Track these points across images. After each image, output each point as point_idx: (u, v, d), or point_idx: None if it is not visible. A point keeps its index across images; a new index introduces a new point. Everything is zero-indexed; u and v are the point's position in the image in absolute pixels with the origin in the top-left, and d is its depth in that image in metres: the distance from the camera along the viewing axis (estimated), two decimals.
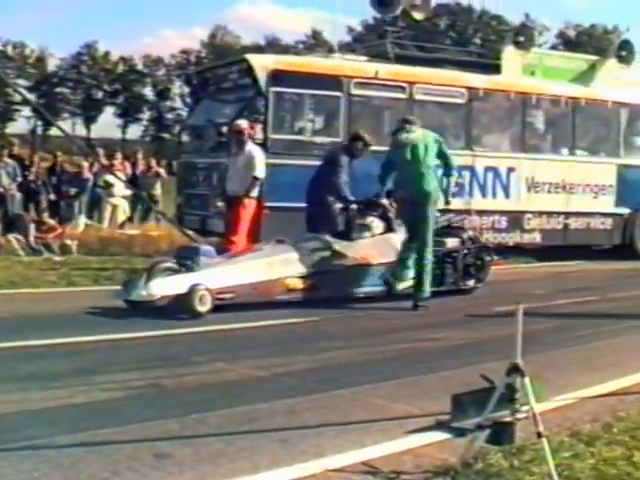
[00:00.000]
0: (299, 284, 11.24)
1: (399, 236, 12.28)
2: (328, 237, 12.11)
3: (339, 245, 11.97)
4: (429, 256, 11.67)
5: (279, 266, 11.17)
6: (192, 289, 10.07)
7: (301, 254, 11.51)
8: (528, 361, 4.95)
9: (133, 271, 12.43)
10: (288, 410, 6.11)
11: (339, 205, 12.86)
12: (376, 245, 12.26)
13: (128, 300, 10.27)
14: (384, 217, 12.60)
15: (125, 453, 5.07)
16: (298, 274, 11.25)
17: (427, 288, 11.58)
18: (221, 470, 4.88)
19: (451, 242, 12.87)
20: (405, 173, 11.85)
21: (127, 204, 20.51)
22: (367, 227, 12.50)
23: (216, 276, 10.55)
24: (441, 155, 12.06)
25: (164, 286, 10.22)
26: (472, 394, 5.45)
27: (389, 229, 12.57)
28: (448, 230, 13.24)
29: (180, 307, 10.10)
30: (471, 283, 13.06)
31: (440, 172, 12.27)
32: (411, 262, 11.71)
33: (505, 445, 5.08)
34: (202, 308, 10.12)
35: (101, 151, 23.96)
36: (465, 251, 13.01)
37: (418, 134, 11.94)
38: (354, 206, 12.80)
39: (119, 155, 22.55)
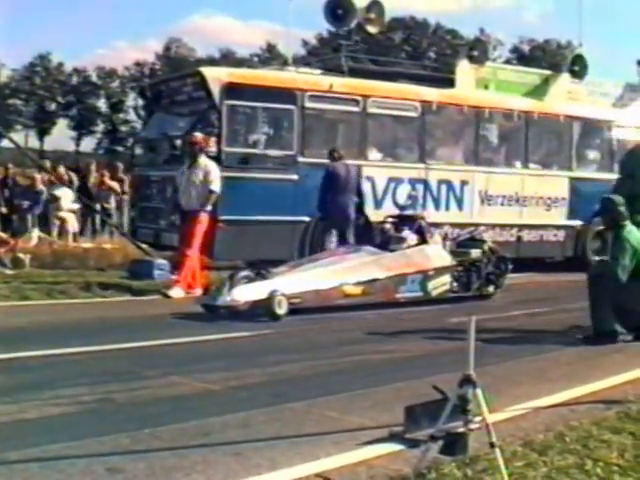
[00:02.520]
0: (354, 290, 12.32)
1: (432, 247, 13.78)
2: (372, 248, 13.49)
3: (382, 255, 13.14)
4: None
5: (337, 274, 12.31)
6: (271, 295, 11.13)
7: (353, 263, 12.73)
8: (482, 372, 4.98)
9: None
10: (241, 423, 6.09)
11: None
12: (413, 256, 13.43)
13: (212, 306, 11.23)
14: (418, 230, 13.86)
15: (78, 468, 5.02)
16: (353, 281, 12.31)
17: None
18: None
19: (475, 253, 14.17)
20: None
21: (74, 218, 20.30)
22: (403, 239, 13.69)
23: (289, 283, 11.67)
24: None
25: (246, 292, 11.29)
26: (425, 405, 5.48)
27: (423, 241, 13.79)
28: (471, 242, 14.73)
29: (260, 311, 11.12)
30: (491, 289, 14.32)
31: None
32: None
33: (458, 455, 5.10)
34: (280, 311, 11.14)
35: (47, 163, 23.85)
36: (486, 260, 14.25)
37: None
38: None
39: (62, 169, 22.43)
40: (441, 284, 13.44)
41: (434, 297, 13.32)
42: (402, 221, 14.40)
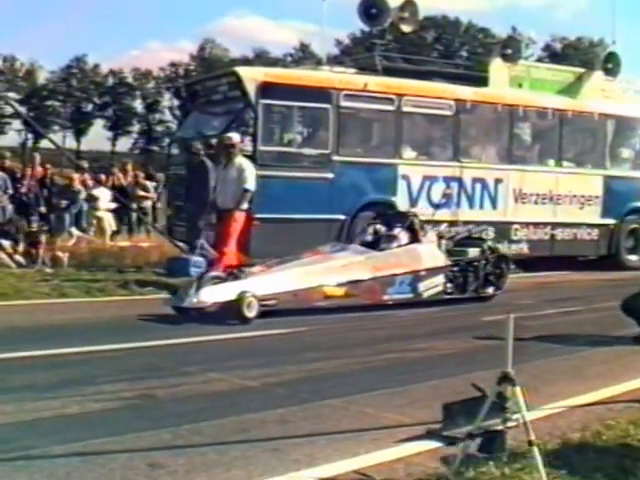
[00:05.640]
0: (335, 291, 11.80)
1: (425, 246, 13.10)
2: (359, 247, 12.87)
3: (370, 255, 12.55)
4: None
5: (317, 274, 11.77)
6: (241, 296, 10.71)
7: (336, 263, 12.13)
8: (517, 370, 4.99)
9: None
10: (280, 420, 6.16)
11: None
12: (403, 255, 12.81)
13: (179, 307, 10.88)
14: (410, 228, 13.22)
15: (119, 463, 5.10)
16: (334, 282, 11.81)
17: None
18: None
19: (472, 252, 13.57)
20: None
21: (112, 217, 20.44)
22: (394, 238, 13.05)
23: (261, 284, 11.19)
24: None
25: (214, 293, 10.89)
26: (463, 403, 5.49)
27: (415, 240, 13.15)
28: (469, 241, 13.99)
29: (229, 313, 10.70)
30: (490, 291, 13.69)
31: None
32: None
33: (496, 453, 5.11)
34: (250, 314, 10.72)
35: (85, 164, 24.04)
36: (485, 260, 13.67)
37: None
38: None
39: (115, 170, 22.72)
40: (433, 285, 12.85)
41: (425, 299, 12.74)
42: (394, 218, 13.79)
